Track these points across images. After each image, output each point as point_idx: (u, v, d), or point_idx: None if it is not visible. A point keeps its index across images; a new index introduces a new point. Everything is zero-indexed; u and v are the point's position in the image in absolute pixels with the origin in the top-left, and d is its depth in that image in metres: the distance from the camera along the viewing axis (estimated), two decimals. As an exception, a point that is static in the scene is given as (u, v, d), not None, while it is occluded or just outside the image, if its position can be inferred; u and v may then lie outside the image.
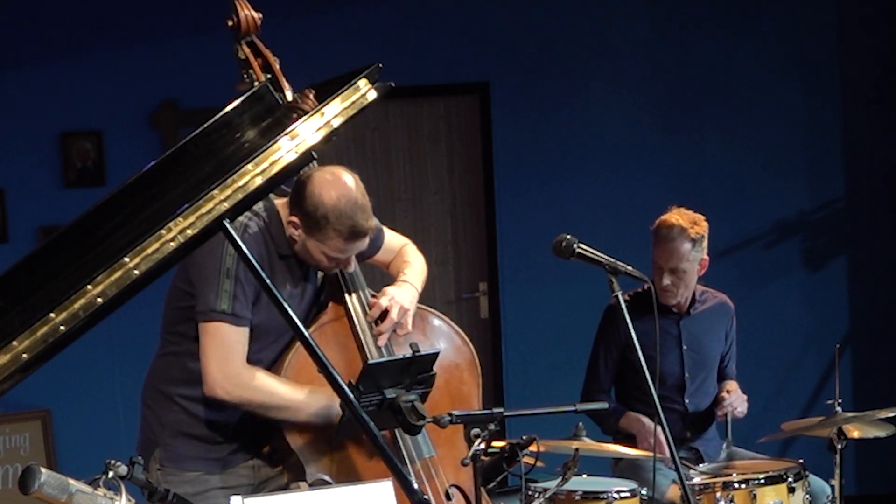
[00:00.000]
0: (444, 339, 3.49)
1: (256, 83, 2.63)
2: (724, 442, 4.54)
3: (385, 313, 3.35)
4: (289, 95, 2.55)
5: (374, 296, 3.41)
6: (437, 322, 3.53)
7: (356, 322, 3.34)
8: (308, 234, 3.22)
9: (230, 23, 2.78)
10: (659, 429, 4.27)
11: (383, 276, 3.63)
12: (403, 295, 3.41)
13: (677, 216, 4.45)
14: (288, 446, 3.25)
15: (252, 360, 3.25)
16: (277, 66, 2.70)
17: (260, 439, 3.36)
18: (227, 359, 3.17)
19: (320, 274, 3.41)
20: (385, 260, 3.65)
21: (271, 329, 3.25)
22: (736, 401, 4.51)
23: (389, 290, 3.41)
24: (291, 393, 3.20)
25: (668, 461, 3.88)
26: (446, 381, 3.39)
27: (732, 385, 4.65)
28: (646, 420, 4.38)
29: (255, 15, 2.77)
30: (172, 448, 3.30)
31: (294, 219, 3.24)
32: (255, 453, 3.38)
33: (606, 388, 4.63)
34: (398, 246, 3.67)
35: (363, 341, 3.31)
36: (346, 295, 3.37)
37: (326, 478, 3.19)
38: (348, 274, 3.39)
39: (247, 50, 2.74)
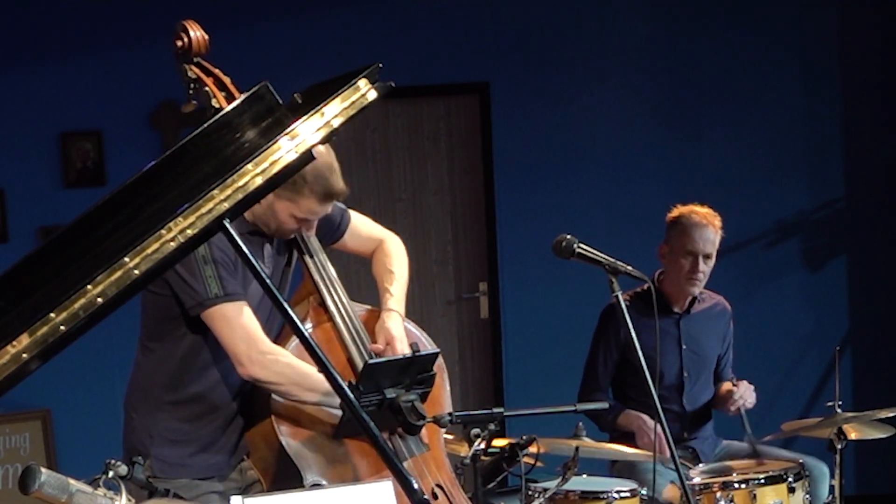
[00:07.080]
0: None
1: (214, 101, 2.65)
2: (746, 437, 4.51)
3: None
4: None
5: (362, 308, 3.38)
6: (408, 327, 3.47)
7: (321, 288, 3.29)
8: (278, 195, 3.10)
9: (179, 43, 2.80)
10: (659, 427, 4.29)
11: (362, 265, 3.52)
12: (396, 327, 3.35)
13: (698, 207, 4.51)
14: (274, 453, 3.20)
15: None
16: (230, 82, 2.72)
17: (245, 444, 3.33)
18: (249, 335, 3.11)
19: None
20: (359, 248, 3.59)
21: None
22: (745, 392, 4.50)
23: (385, 327, 3.35)
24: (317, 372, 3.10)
25: (667, 461, 3.88)
26: None
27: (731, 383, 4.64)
28: (645, 418, 4.37)
29: (205, 35, 2.79)
30: (163, 457, 3.26)
31: None
32: (243, 457, 3.35)
33: (604, 388, 4.63)
34: (375, 235, 3.61)
35: (346, 341, 3.28)
36: (307, 257, 3.32)
37: (324, 482, 3.17)
38: (307, 237, 3.34)
39: (197, 70, 2.77)
